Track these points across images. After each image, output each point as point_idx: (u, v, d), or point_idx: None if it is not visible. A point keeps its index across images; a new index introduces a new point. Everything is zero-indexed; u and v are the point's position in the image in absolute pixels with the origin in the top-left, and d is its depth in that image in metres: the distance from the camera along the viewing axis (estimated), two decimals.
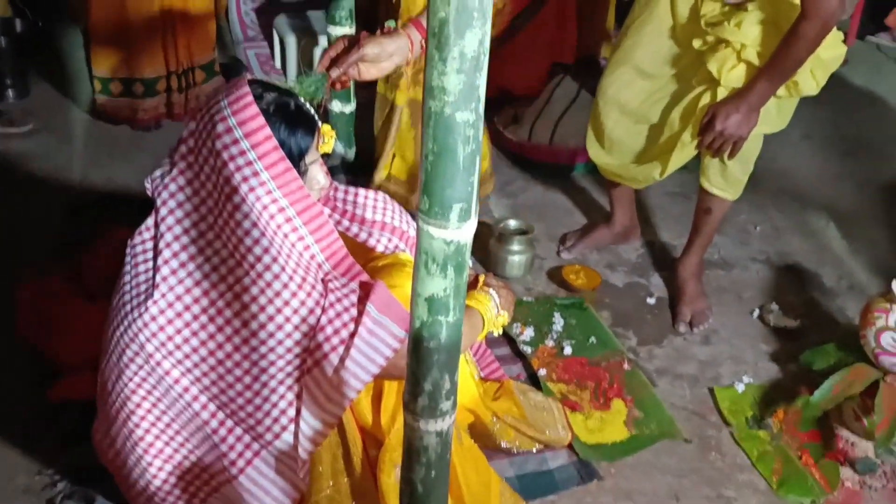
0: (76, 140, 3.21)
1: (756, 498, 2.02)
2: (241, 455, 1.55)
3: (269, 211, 1.43)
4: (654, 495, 2.00)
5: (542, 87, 3.38)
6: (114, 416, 1.59)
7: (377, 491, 1.68)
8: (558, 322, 2.47)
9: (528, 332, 2.41)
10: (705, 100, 2.26)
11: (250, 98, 1.42)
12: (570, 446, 2.06)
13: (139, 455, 1.59)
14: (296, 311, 1.44)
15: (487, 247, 2.69)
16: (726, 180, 2.39)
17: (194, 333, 1.50)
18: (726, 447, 2.15)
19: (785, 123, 2.35)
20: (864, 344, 2.08)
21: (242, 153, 1.41)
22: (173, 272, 1.50)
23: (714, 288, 2.70)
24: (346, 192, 1.79)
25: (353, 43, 1.73)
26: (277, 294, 1.44)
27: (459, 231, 1.04)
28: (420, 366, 1.14)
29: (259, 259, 1.43)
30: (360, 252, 1.74)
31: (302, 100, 1.55)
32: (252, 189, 1.42)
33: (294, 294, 1.44)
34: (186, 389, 1.53)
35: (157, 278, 1.49)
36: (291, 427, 1.50)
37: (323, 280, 1.49)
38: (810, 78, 2.19)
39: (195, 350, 1.50)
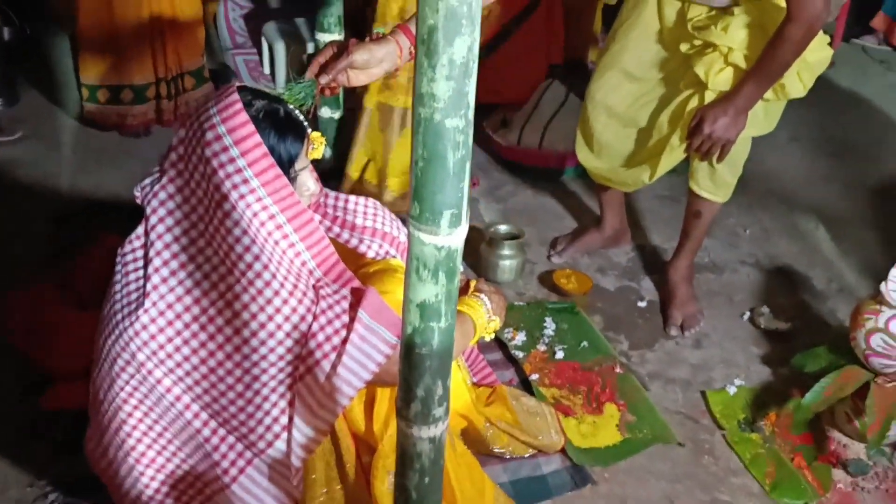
0: (65, 147, 3.20)
1: (750, 501, 2.03)
2: (233, 463, 1.54)
3: (259, 218, 1.43)
4: (647, 500, 2.00)
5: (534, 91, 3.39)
6: (106, 425, 1.58)
7: (371, 498, 1.67)
8: (550, 326, 2.47)
9: (520, 337, 2.42)
10: (693, 103, 2.26)
11: (240, 105, 1.42)
12: (564, 451, 2.06)
13: (131, 464, 1.58)
14: (287, 318, 1.44)
15: (478, 251, 2.69)
16: (715, 183, 2.40)
17: (186, 342, 1.49)
18: (719, 451, 2.15)
19: (772, 126, 2.36)
20: (854, 346, 2.08)
21: (232, 160, 1.41)
22: (164, 280, 1.49)
23: (705, 291, 2.71)
24: (336, 199, 1.79)
25: (341, 49, 1.72)
26: (269, 301, 1.43)
27: (450, 237, 1.04)
28: (412, 372, 1.14)
29: (250, 266, 1.43)
30: (352, 258, 1.74)
31: (291, 106, 1.55)
32: (242, 196, 1.41)
33: (285, 301, 1.44)
34: (178, 398, 1.52)
35: (148, 287, 1.49)
36: (284, 435, 1.49)
37: (314, 287, 1.49)
38: (797, 80, 2.20)
39: (187, 358, 1.50)
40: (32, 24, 3.46)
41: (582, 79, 2.99)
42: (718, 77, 2.20)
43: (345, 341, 1.45)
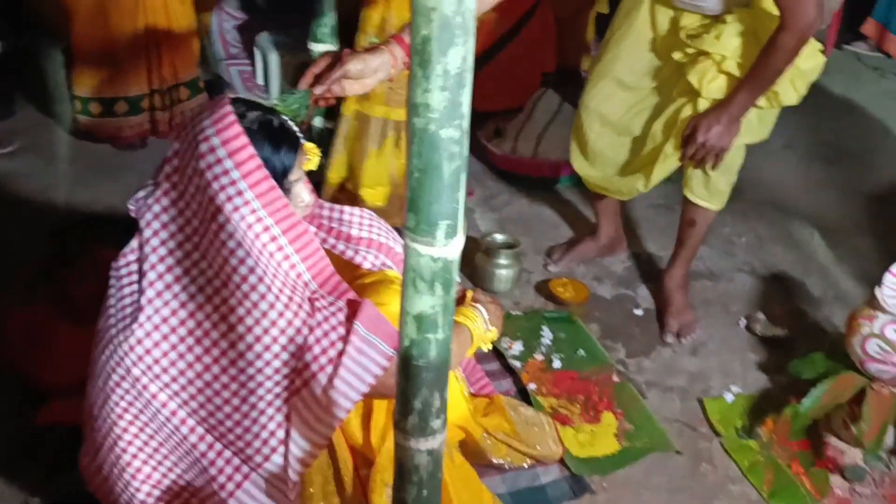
0: (61, 160, 3.20)
1: None
2: (230, 478, 1.53)
3: (253, 230, 1.42)
4: None
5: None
6: (100, 441, 1.57)
7: None
8: (547, 336, 2.46)
9: (517, 347, 2.41)
10: (687, 111, 2.27)
11: (233, 117, 1.42)
12: (562, 461, 2.06)
13: (126, 481, 1.57)
14: (283, 331, 1.44)
15: (474, 261, 2.69)
16: (710, 191, 2.40)
17: (181, 356, 1.48)
18: (717, 458, 2.15)
19: (766, 133, 2.36)
20: (850, 352, 2.08)
21: (226, 172, 1.41)
22: (158, 294, 1.48)
23: (701, 299, 2.71)
24: (331, 210, 1.79)
25: (335, 60, 1.72)
26: (264, 314, 1.43)
27: (446, 248, 1.04)
28: (409, 384, 1.13)
29: (245, 279, 1.42)
30: (347, 270, 1.73)
31: (285, 117, 1.55)
32: (236, 208, 1.41)
33: (281, 314, 1.43)
34: (174, 413, 1.51)
35: (143, 301, 1.48)
36: (281, 449, 1.48)
37: (310, 299, 1.48)
38: (790, 88, 2.21)
39: (182, 373, 1.49)
40: (26, 36, 3.45)
41: (576, 87, 2.99)
42: (712, 85, 2.20)
43: (341, 354, 1.44)
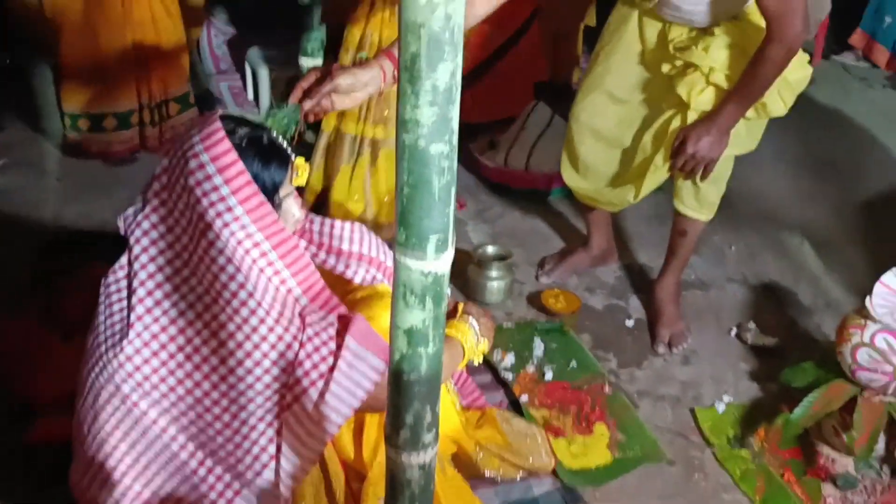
0: (50, 175, 3.19)
1: None
2: (221, 495, 1.53)
3: (243, 246, 1.42)
4: None
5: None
6: (90, 458, 1.56)
7: None
8: (539, 347, 2.47)
9: (509, 359, 2.41)
10: (676, 123, 2.28)
11: (222, 133, 1.42)
12: (555, 472, 2.05)
13: (116, 499, 1.55)
14: (273, 347, 1.43)
15: (466, 273, 2.69)
16: (699, 202, 2.41)
17: (171, 372, 1.48)
18: (710, 468, 2.15)
19: (755, 144, 2.38)
20: (840, 360, 2.09)
21: (216, 189, 1.41)
22: (148, 311, 1.48)
23: (692, 308, 2.71)
24: (322, 224, 1.78)
25: (325, 74, 1.73)
26: (254, 330, 1.42)
27: (437, 262, 1.04)
28: (401, 398, 1.13)
29: (235, 295, 1.42)
30: (338, 284, 1.73)
31: (275, 133, 1.55)
32: (226, 224, 1.41)
33: (271, 329, 1.43)
34: (164, 430, 1.50)
35: (132, 317, 1.48)
36: (272, 464, 1.48)
37: (300, 314, 1.48)
38: (778, 99, 2.23)
39: (172, 389, 1.48)
40: (14, 52, 3.46)
41: (567, 100, 3.01)
42: (700, 97, 2.22)
43: (332, 368, 1.44)
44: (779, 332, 2.62)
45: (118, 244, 1.57)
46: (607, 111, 2.45)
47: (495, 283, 2.66)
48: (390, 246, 1.63)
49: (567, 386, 2.33)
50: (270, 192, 1.50)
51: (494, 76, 3.49)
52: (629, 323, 2.65)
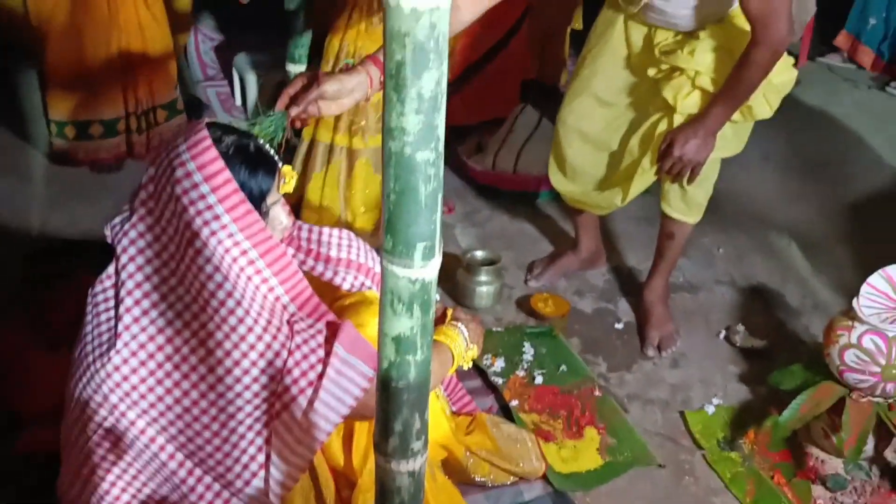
0: (37, 184, 3.17)
1: None
2: None
3: (231, 254, 1.42)
4: None
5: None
6: (78, 469, 1.55)
7: None
8: (529, 351, 2.47)
9: (499, 363, 2.41)
10: (663, 126, 2.29)
11: (209, 142, 1.41)
12: (545, 477, 2.05)
13: None
14: (262, 355, 1.43)
15: (455, 278, 2.69)
16: (687, 205, 2.42)
17: (159, 382, 1.47)
18: (700, 470, 2.16)
19: (741, 147, 2.39)
20: (828, 362, 2.10)
21: (202, 197, 1.40)
22: (136, 320, 1.47)
23: (680, 311, 2.72)
24: (310, 231, 1.78)
25: (312, 81, 1.72)
26: (242, 338, 1.42)
27: (424, 269, 1.04)
28: (389, 406, 1.13)
29: (223, 303, 1.42)
30: (327, 291, 1.73)
31: (262, 141, 1.55)
32: (213, 233, 1.41)
33: (259, 337, 1.43)
34: (153, 440, 1.50)
35: (120, 327, 1.47)
36: (261, 473, 1.47)
37: (288, 322, 1.48)
38: (763, 102, 2.24)
39: (160, 399, 1.48)
40: (0, 60, 3.44)
41: (554, 103, 3.02)
42: (686, 100, 2.22)
43: (321, 376, 1.44)
44: (767, 334, 2.63)
45: (105, 253, 1.56)
46: (594, 115, 2.45)
47: (485, 287, 2.66)
48: (377, 250, 1.63)
49: (557, 390, 2.33)
50: (258, 200, 1.49)
51: (485, 77, 3.50)
52: (618, 326, 2.65)
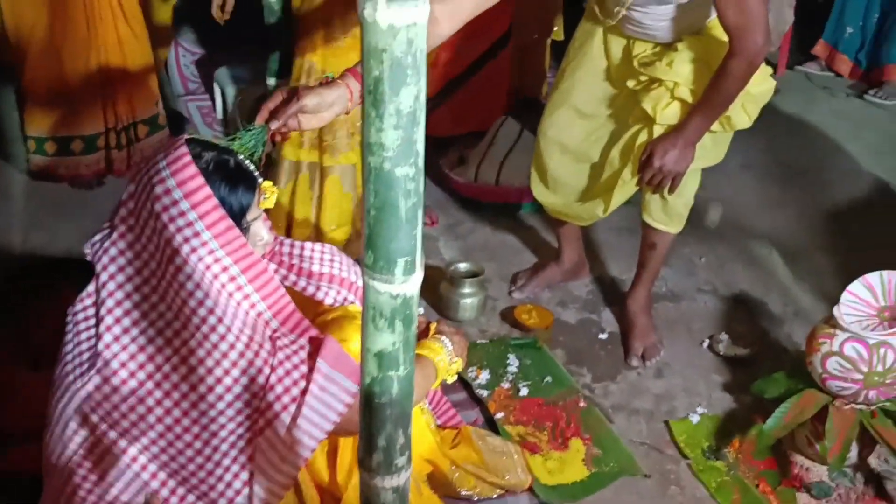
0: (16, 201, 3.15)
1: None
2: None
3: (212, 271, 1.41)
4: None
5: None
6: (59, 490, 1.53)
7: None
8: (513, 363, 2.47)
9: (484, 376, 2.41)
10: (642, 137, 2.30)
11: (188, 158, 1.41)
12: (531, 489, 2.05)
13: None
14: (244, 372, 1.42)
15: (439, 290, 2.69)
16: (668, 215, 2.43)
17: (141, 400, 1.46)
18: (685, 480, 2.16)
19: (721, 157, 2.40)
20: (811, 370, 2.11)
21: (182, 214, 1.40)
22: (116, 339, 1.46)
23: (664, 320, 2.73)
24: (292, 246, 1.78)
25: (291, 94, 1.72)
26: (224, 355, 1.41)
27: (405, 284, 1.03)
28: (373, 422, 1.12)
29: (204, 320, 1.41)
30: (310, 306, 1.72)
31: (242, 156, 1.54)
32: (194, 250, 1.40)
33: (241, 354, 1.42)
34: (134, 459, 1.48)
35: (100, 346, 1.46)
36: (245, 490, 1.46)
37: (271, 338, 1.47)
38: (742, 112, 2.25)
39: (142, 417, 1.46)
40: None
41: (536, 115, 3.03)
42: (665, 111, 2.24)
43: (304, 392, 1.43)
44: (750, 343, 2.64)
45: (87, 270, 1.55)
46: (574, 126, 2.46)
47: (468, 300, 2.66)
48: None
49: (542, 402, 2.33)
50: (238, 216, 1.49)
51: (474, 88, 3.51)
52: (602, 336, 2.66)
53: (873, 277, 2.10)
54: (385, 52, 0.90)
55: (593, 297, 2.84)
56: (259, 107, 1.70)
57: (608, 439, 2.24)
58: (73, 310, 1.53)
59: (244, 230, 1.50)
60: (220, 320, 1.41)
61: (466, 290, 2.66)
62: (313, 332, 1.52)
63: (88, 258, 1.51)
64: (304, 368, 1.44)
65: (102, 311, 1.47)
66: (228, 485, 1.46)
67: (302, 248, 1.78)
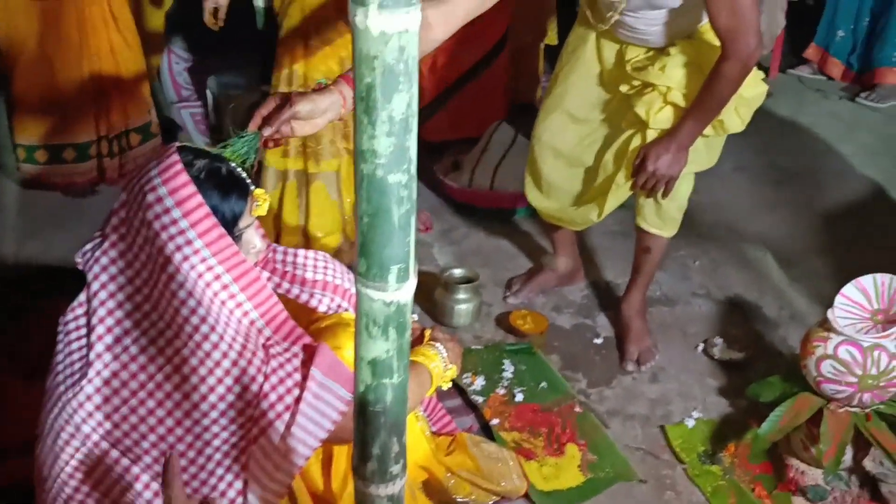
0: (7, 210, 3.13)
1: None
2: None
3: (204, 279, 1.40)
4: None
5: None
6: (52, 501, 1.52)
7: None
8: (508, 369, 2.46)
9: (479, 382, 2.40)
10: (636, 142, 2.30)
11: (180, 166, 1.40)
12: (527, 496, 2.05)
13: None
14: (237, 380, 1.41)
15: (433, 296, 2.68)
16: (662, 219, 2.43)
17: (133, 410, 1.45)
18: (681, 485, 2.16)
19: (714, 161, 2.41)
20: (805, 373, 2.11)
21: (174, 222, 1.39)
22: (108, 348, 1.45)
23: (658, 324, 2.73)
24: (285, 253, 1.77)
25: (284, 101, 1.71)
26: (217, 364, 1.40)
27: (399, 292, 1.03)
28: (367, 430, 1.12)
29: (196, 329, 1.40)
30: (303, 313, 1.72)
31: (234, 164, 1.53)
32: (186, 258, 1.39)
33: (234, 363, 1.41)
34: (127, 469, 1.47)
35: (92, 355, 1.45)
36: (239, 500, 1.45)
37: (264, 346, 1.46)
38: (735, 116, 2.26)
39: (134, 427, 1.45)
40: None
41: (530, 119, 3.03)
42: (658, 116, 2.24)
43: (298, 400, 1.42)
44: (745, 346, 2.64)
45: (81, 280, 1.54)
46: (568, 131, 2.46)
47: (463, 305, 2.65)
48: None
49: (537, 408, 2.33)
50: (230, 224, 1.48)
51: (471, 93, 3.52)
52: (597, 341, 2.65)
53: (867, 280, 2.10)
54: (377, 58, 0.90)
55: (588, 302, 2.84)
56: (252, 113, 1.70)
57: (603, 445, 2.24)
58: (64, 319, 1.52)
59: (236, 238, 1.49)
60: (212, 329, 1.40)
61: (461, 295, 2.65)
62: (307, 340, 1.51)
63: (80, 267, 1.50)
64: (297, 376, 1.43)
65: (94, 320, 1.46)
66: (222, 494, 1.45)
67: (295, 255, 1.77)
